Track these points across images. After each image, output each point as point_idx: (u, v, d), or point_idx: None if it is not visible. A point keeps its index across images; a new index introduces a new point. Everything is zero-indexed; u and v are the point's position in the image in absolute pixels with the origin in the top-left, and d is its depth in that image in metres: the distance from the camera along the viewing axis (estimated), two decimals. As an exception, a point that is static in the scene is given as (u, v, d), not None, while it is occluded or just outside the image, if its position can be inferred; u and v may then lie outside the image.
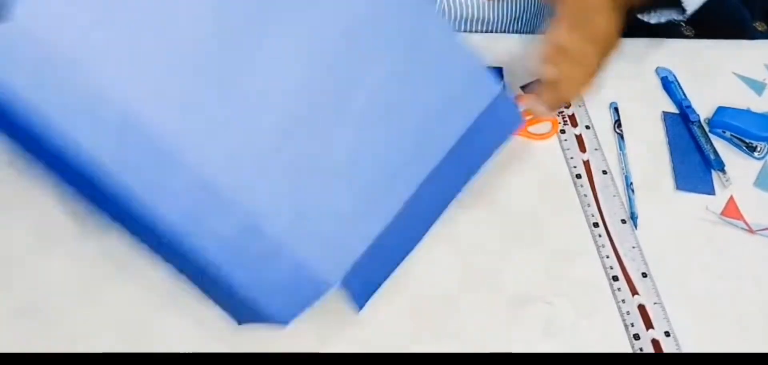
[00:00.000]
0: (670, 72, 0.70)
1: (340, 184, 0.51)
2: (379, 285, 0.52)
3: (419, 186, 0.53)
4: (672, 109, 0.68)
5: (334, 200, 0.51)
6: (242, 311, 0.51)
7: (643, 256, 0.57)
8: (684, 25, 0.87)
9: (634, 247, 0.58)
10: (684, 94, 0.68)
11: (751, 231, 0.60)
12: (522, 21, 0.79)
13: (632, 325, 0.54)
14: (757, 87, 0.70)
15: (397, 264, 0.53)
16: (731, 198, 0.62)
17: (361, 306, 0.52)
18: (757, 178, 0.63)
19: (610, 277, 0.56)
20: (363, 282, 0.52)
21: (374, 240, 0.52)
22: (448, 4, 0.75)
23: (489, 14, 0.76)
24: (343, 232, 0.51)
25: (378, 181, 0.52)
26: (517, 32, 0.78)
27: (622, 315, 0.55)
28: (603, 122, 0.66)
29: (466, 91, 0.54)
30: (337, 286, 0.50)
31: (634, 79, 0.70)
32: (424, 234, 0.53)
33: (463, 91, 0.53)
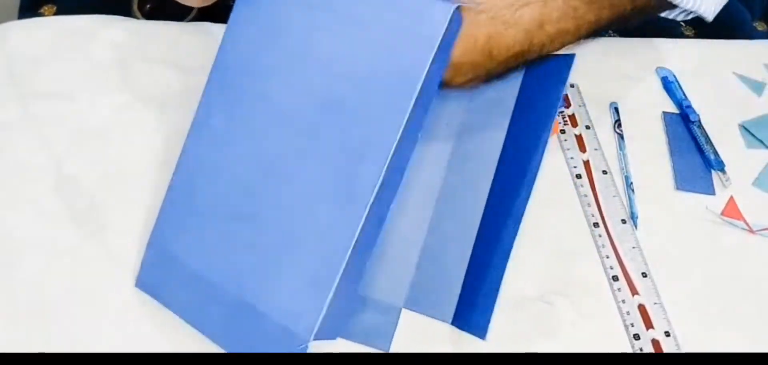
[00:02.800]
0: (670, 72, 0.70)
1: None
2: (493, 302, 0.52)
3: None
4: (672, 109, 0.68)
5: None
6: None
7: (643, 256, 0.57)
8: (684, 24, 0.87)
9: (634, 247, 0.58)
10: (684, 94, 0.68)
11: (751, 231, 0.60)
12: None
13: (632, 325, 0.54)
14: (757, 87, 0.70)
15: (502, 270, 0.52)
16: (731, 198, 0.62)
17: (483, 335, 0.51)
18: (757, 178, 0.63)
19: (610, 277, 0.56)
20: (476, 310, 0.52)
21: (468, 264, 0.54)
22: None
23: None
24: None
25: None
26: None
27: (622, 315, 0.55)
28: (603, 122, 0.66)
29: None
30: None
31: (634, 79, 0.69)
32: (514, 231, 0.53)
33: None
